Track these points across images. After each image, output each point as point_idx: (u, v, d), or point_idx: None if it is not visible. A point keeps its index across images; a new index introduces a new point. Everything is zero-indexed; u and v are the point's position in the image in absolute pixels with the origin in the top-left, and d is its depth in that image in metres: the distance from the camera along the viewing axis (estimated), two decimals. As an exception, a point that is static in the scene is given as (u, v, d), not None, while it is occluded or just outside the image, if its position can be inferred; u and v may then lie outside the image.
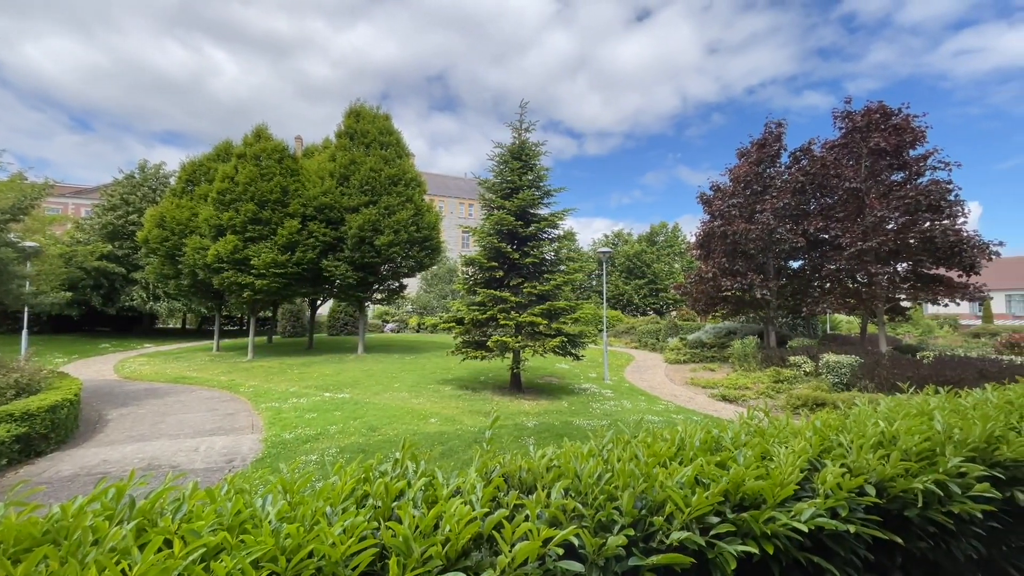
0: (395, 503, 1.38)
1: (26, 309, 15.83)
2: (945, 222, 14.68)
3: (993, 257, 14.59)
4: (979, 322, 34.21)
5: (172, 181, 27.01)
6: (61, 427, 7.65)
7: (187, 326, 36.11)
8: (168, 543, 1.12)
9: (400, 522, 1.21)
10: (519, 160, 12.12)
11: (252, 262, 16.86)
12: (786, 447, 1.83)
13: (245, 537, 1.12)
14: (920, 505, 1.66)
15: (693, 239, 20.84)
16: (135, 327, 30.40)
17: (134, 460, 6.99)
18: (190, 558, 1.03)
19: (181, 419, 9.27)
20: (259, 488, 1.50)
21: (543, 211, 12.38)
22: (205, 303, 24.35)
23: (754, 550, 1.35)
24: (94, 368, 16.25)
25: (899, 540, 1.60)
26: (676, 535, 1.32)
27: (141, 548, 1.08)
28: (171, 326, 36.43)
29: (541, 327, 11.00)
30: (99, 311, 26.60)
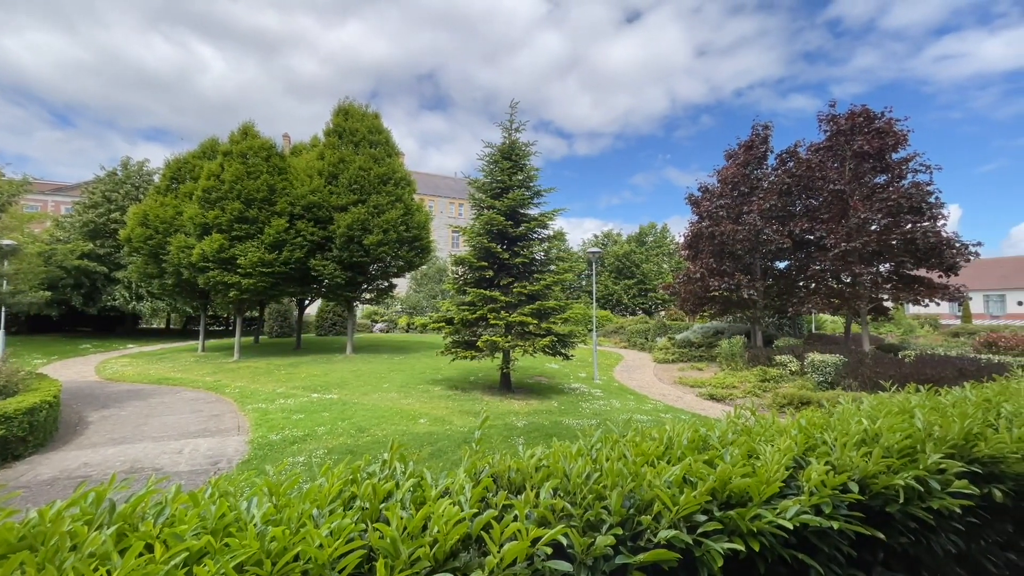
0: (383, 504, 1.37)
1: (3, 308, 15.43)
2: (926, 224, 15.01)
3: (972, 258, 14.97)
4: (958, 322, 35.05)
5: (156, 179, 26.54)
6: (40, 430, 7.47)
7: (171, 326, 35.50)
8: (149, 548, 1.09)
9: (388, 523, 1.20)
10: (509, 160, 12.12)
11: (238, 261, 16.63)
12: (772, 445, 1.85)
13: (229, 540, 1.10)
14: (901, 501, 1.70)
15: (681, 240, 21.04)
16: (117, 327, 29.80)
17: (116, 463, 6.85)
18: (172, 563, 1.01)
19: (165, 421, 9.11)
20: (244, 491, 1.48)
21: (533, 211, 12.39)
22: (190, 303, 23.98)
23: (740, 547, 1.37)
24: (74, 369, 15.90)
25: (881, 536, 1.63)
26: (664, 533, 1.33)
27: (121, 553, 1.06)
28: (155, 326, 35.79)
29: (531, 327, 11.01)
30: (80, 311, 26.04)
